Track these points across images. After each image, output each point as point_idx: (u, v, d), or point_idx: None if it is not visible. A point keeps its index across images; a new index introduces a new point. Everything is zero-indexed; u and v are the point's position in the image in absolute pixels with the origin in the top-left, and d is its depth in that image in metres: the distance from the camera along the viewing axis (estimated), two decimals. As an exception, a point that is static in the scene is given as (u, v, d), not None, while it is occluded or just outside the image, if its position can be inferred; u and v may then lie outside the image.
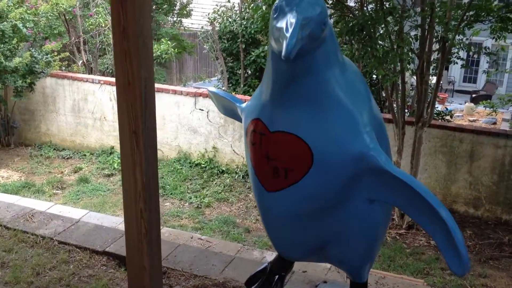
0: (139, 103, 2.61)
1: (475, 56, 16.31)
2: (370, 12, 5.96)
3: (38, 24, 8.78)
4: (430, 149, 7.41)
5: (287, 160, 2.42)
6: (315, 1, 2.19)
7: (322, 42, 2.26)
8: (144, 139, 2.68)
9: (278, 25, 2.14)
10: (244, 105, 2.86)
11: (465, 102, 17.67)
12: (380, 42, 5.91)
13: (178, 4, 14.21)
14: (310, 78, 2.30)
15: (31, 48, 8.78)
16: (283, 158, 2.43)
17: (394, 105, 6.84)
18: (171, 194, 7.88)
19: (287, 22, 2.07)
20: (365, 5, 6.72)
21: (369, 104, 2.62)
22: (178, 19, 14.56)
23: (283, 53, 2.02)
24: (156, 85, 9.05)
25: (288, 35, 2.04)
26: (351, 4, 7.12)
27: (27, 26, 8.40)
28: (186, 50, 13.84)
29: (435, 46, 6.38)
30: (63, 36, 10.56)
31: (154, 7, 13.26)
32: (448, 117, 9.04)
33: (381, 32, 5.90)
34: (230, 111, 3.08)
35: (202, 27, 12.96)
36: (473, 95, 18.43)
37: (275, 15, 2.20)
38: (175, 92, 8.84)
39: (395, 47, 5.97)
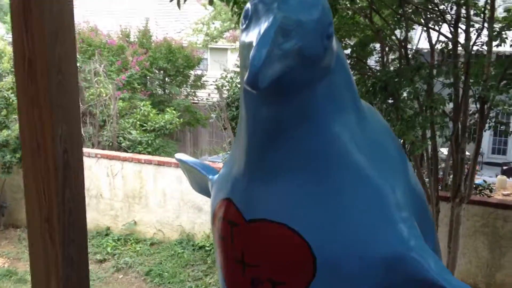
0: (54, 177, 1.70)
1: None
2: (395, 69, 5.13)
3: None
4: (469, 230, 6.35)
5: (274, 267, 1.48)
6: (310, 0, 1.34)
7: (325, 71, 1.40)
8: (63, 232, 1.75)
9: (248, 39, 1.30)
10: (216, 176, 1.93)
11: (496, 175, 16.52)
12: (407, 102, 5.02)
13: (192, 75, 13.71)
14: (308, 131, 1.42)
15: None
16: (267, 264, 1.49)
17: (425, 177, 5.87)
18: (169, 282, 6.86)
19: (260, 30, 1.23)
20: (387, 64, 5.92)
21: (404, 173, 1.68)
22: (192, 90, 14.02)
23: (245, 78, 1.18)
24: (158, 158, 8.28)
25: (255, 44, 1.19)
26: (372, 63, 6.31)
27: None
28: (200, 122, 13.17)
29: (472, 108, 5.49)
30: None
31: (167, 79, 12.76)
32: (487, 191, 7.98)
33: (407, 91, 5.02)
34: (204, 189, 2.11)
35: (208, 94, 12.34)
36: (504, 167, 17.30)
37: (244, 26, 1.34)
38: (177, 165, 7.97)
39: (424, 108, 5.07)
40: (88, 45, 11.41)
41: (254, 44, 1.20)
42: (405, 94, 5.20)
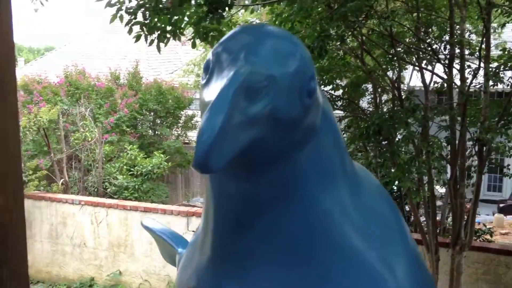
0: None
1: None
2: (388, 110, 4.90)
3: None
4: (470, 277, 6.01)
5: None
6: (286, 46, 1.08)
7: (309, 134, 1.13)
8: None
9: (207, 97, 1.03)
10: (184, 250, 1.63)
11: (493, 213, 16.21)
12: (402, 146, 4.77)
13: (183, 117, 13.47)
14: (289, 210, 1.15)
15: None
16: None
17: (422, 222, 5.59)
18: None
19: (219, 88, 0.97)
20: (380, 105, 5.71)
21: (403, 244, 1.40)
22: (183, 131, 13.75)
23: (193, 158, 0.94)
24: (144, 205, 7.97)
25: (207, 111, 0.93)
26: (364, 105, 6.11)
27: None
28: (191, 163, 12.81)
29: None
30: (56, 154, 9.66)
31: (158, 120, 12.52)
32: (487, 236, 7.64)
33: (402, 134, 4.79)
34: (174, 260, 1.81)
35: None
36: (501, 205, 16.99)
37: (204, 80, 1.09)
38: (164, 211, 7.67)
39: (420, 152, 4.84)
40: (75, 88, 11.19)
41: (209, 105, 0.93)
42: (399, 137, 4.97)
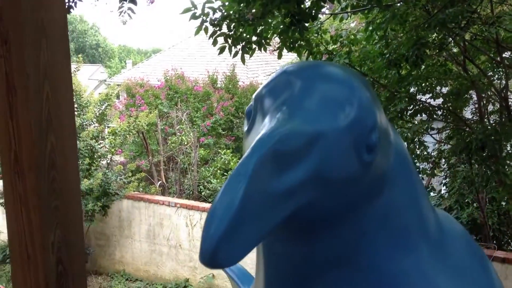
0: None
1: None
2: (493, 124, 4.48)
3: (114, 143, 8.21)
4: None
5: None
6: (341, 92, 0.90)
7: (374, 189, 0.95)
8: None
9: (246, 148, 0.89)
10: None
11: None
12: (509, 164, 4.35)
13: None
14: (349, 279, 0.98)
15: (105, 168, 8.17)
16: None
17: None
18: None
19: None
20: (485, 116, 5.27)
21: None
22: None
23: (200, 252, 0.75)
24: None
25: (223, 187, 0.76)
26: (468, 115, 5.67)
27: (101, 145, 7.87)
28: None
29: None
30: (155, 155, 10.02)
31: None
32: None
33: (510, 150, 4.36)
34: None
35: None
36: None
37: (246, 127, 0.95)
38: (256, 218, 7.63)
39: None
40: (174, 92, 11.53)
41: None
42: (505, 152, 4.54)
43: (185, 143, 9.23)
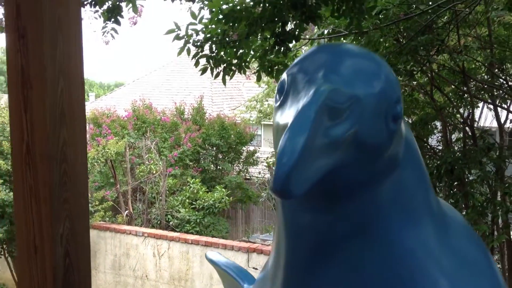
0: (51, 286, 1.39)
1: None
2: (461, 149, 4.68)
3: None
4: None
5: None
6: (370, 65, 1.00)
7: (391, 165, 1.03)
8: None
9: (282, 120, 0.96)
10: (252, 287, 1.54)
11: None
12: (476, 187, 4.52)
13: (244, 152, 13.56)
14: (369, 247, 1.05)
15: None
16: None
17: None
18: None
19: (297, 108, 0.88)
20: (451, 144, 5.47)
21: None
22: (244, 167, 13.81)
23: (271, 182, 0.84)
24: (205, 239, 7.95)
25: (287, 130, 0.85)
26: (433, 143, 5.88)
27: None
28: (252, 199, 12.82)
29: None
30: (121, 185, 9.90)
31: (220, 155, 12.66)
32: None
33: (477, 174, 4.54)
34: None
35: (259, 172, 12.03)
36: None
37: (278, 103, 1.01)
38: (225, 246, 7.61)
39: (497, 194, 4.57)
40: (142, 122, 11.51)
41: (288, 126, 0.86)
42: (472, 177, 4.72)
43: (154, 172, 9.18)
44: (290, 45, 3.22)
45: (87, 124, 12.64)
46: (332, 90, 0.89)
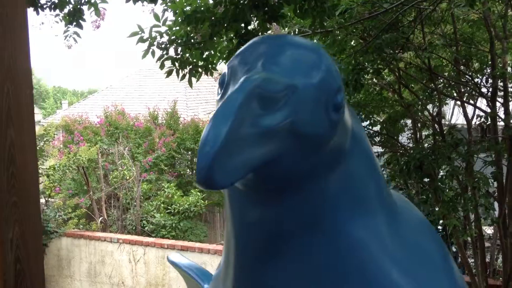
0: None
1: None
2: (430, 145, 4.72)
3: (53, 178, 7.99)
4: (523, 322, 5.62)
5: None
6: (310, 56, 0.99)
7: (337, 156, 1.03)
8: None
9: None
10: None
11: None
12: (446, 182, 4.56)
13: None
14: (317, 241, 1.04)
15: (43, 205, 7.89)
16: None
17: (470, 263, 5.30)
18: None
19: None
20: (421, 140, 5.53)
21: (448, 284, 1.24)
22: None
23: (196, 173, 0.83)
24: (181, 243, 7.89)
25: (212, 118, 0.83)
26: (404, 140, 5.93)
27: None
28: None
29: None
30: (95, 192, 9.77)
31: (195, 159, 12.59)
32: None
33: (446, 170, 4.58)
34: None
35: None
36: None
37: (219, 96, 1.00)
38: (201, 250, 7.56)
39: (466, 188, 4.62)
40: (115, 128, 11.39)
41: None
42: (442, 173, 4.77)
43: (127, 177, 9.09)
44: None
45: (59, 131, 12.49)
46: (266, 79, 0.88)
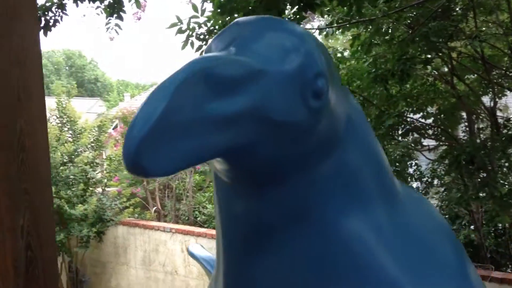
0: (12, 280, 1.38)
1: None
2: (483, 139, 4.51)
3: (109, 168, 8.23)
4: None
5: None
6: (289, 40, 0.93)
7: (328, 146, 0.97)
8: None
9: None
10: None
11: None
12: (500, 178, 4.35)
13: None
14: (306, 233, 0.99)
15: (100, 195, 8.15)
16: None
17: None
18: None
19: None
20: (477, 133, 5.30)
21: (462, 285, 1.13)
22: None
23: (123, 157, 0.74)
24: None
25: (146, 98, 0.75)
26: (460, 133, 5.71)
27: (96, 171, 7.88)
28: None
29: None
30: (151, 182, 9.99)
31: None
32: None
33: (501, 164, 4.37)
34: None
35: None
36: None
37: None
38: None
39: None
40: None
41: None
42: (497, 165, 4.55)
43: (181, 168, 9.23)
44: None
45: (118, 123, 12.83)
46: (226, 59, 0.83)
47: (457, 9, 4.15)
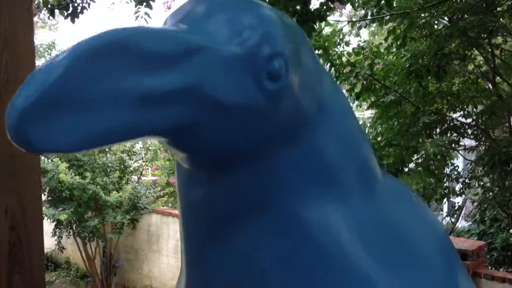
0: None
1: None
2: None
3: (147, 158, 8.33)
4: None
5: None
6: (246, 18, 0.85)
7: (293, 131, 0.90)
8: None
9: None
10: None
11: None
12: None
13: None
14: (269, 227, 0.92)
15: (135, 183, 8.26)
16: None
17: None
18: None
19: None
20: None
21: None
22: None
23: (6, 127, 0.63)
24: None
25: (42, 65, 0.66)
26: (499, 134, 5.46)
27: (133, 159, 7.99)
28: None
29: None
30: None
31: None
32: None
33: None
34: None
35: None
36: None
37: None
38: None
39: None
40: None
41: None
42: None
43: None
44: (316, 25, 3.03)
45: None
46: (165, 34, 0.76)
47: (503, 3, 3.95)
